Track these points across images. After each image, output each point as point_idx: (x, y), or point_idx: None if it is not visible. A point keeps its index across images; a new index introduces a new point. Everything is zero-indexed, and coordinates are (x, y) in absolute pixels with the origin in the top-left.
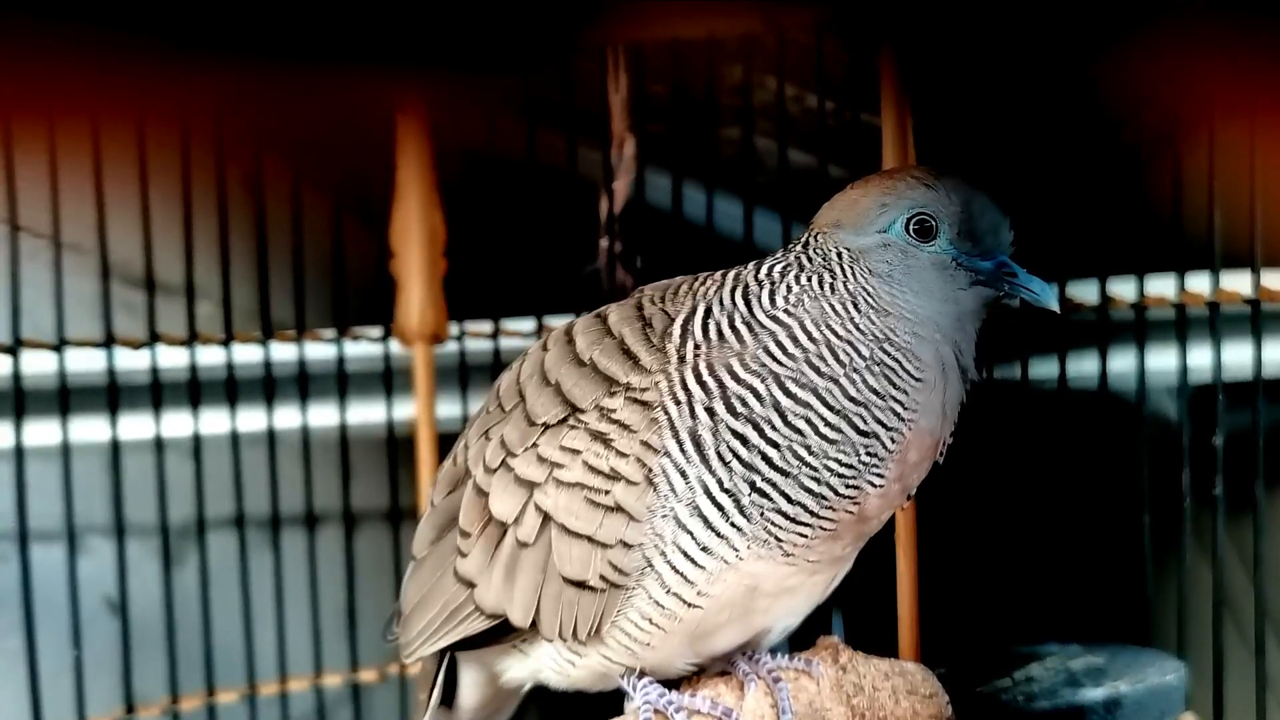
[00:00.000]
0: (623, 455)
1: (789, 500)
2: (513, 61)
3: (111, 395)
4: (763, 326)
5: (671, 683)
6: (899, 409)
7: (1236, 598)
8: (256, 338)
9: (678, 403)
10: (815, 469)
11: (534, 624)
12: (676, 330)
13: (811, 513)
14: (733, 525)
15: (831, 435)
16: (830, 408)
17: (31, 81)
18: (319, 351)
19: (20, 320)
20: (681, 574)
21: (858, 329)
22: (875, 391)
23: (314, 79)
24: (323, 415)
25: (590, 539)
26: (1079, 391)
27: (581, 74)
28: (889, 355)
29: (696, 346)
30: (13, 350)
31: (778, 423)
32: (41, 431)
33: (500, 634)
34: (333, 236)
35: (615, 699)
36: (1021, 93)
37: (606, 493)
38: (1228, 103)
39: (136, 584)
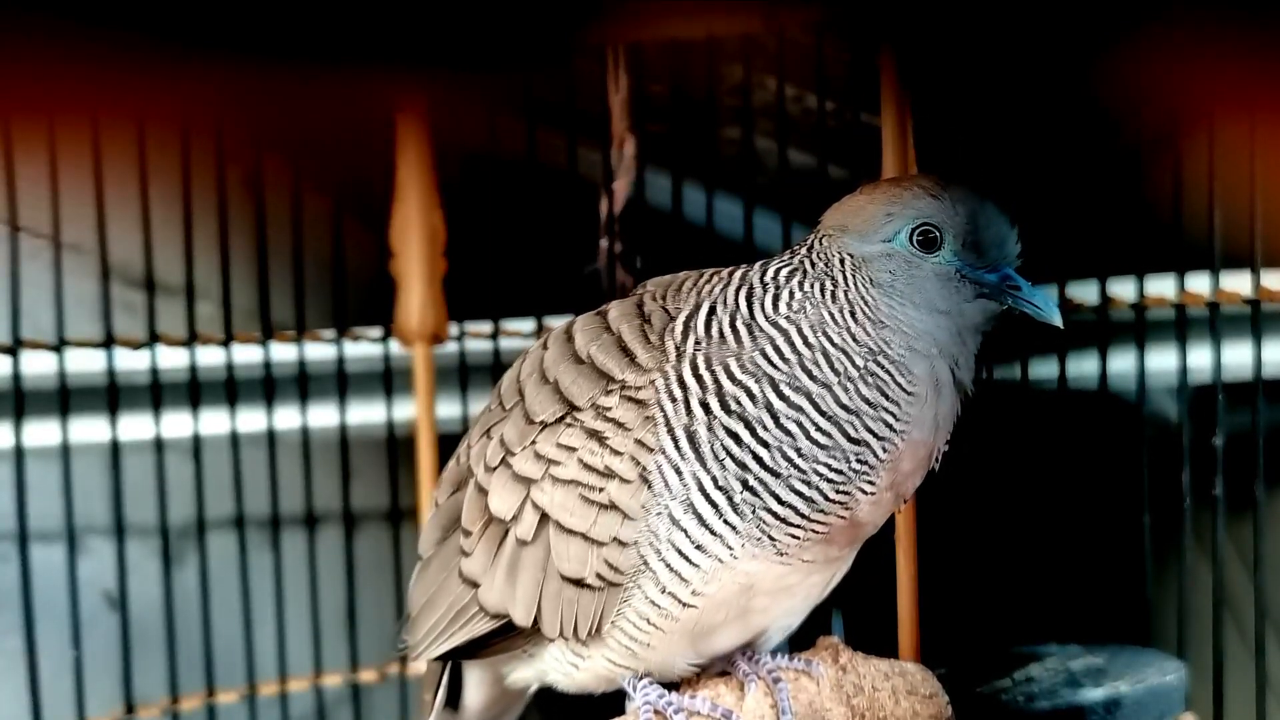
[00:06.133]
0: (617, 453)
1: (779, 501)
2: (513, 61)
3: (111, 395)
4: (761, 330)
5: (671, 683)
6: (891, 419)
7: (1236, 598)
8: (256, 338)
9: (673, 399)
10: (805, 472)
11: (536, 624)
12: (679, 326)
13: (801, 515)
14: (726, 523)
15: (822, 440)
16: (822, 413)
17: (32, 81)
18: (319, 352)
19: (20, 320)
20: (676, 572)
21: (853, 339)
22: (867, 401)
23: (314, 79)
24: (323, 415)
25: (585, 536)
26: (1079, 392)
27: (581, 74)
28: (881, 367)
29: (697, 342)
30: (13, 350)
31: (769, 424)
32: (41, 432)
33: (507, 637)
34: (333, 236)
35: (616, 699)
36: (1021, 92)
37: (601, 490)
38: (1228, 103)
39: (136, 584)
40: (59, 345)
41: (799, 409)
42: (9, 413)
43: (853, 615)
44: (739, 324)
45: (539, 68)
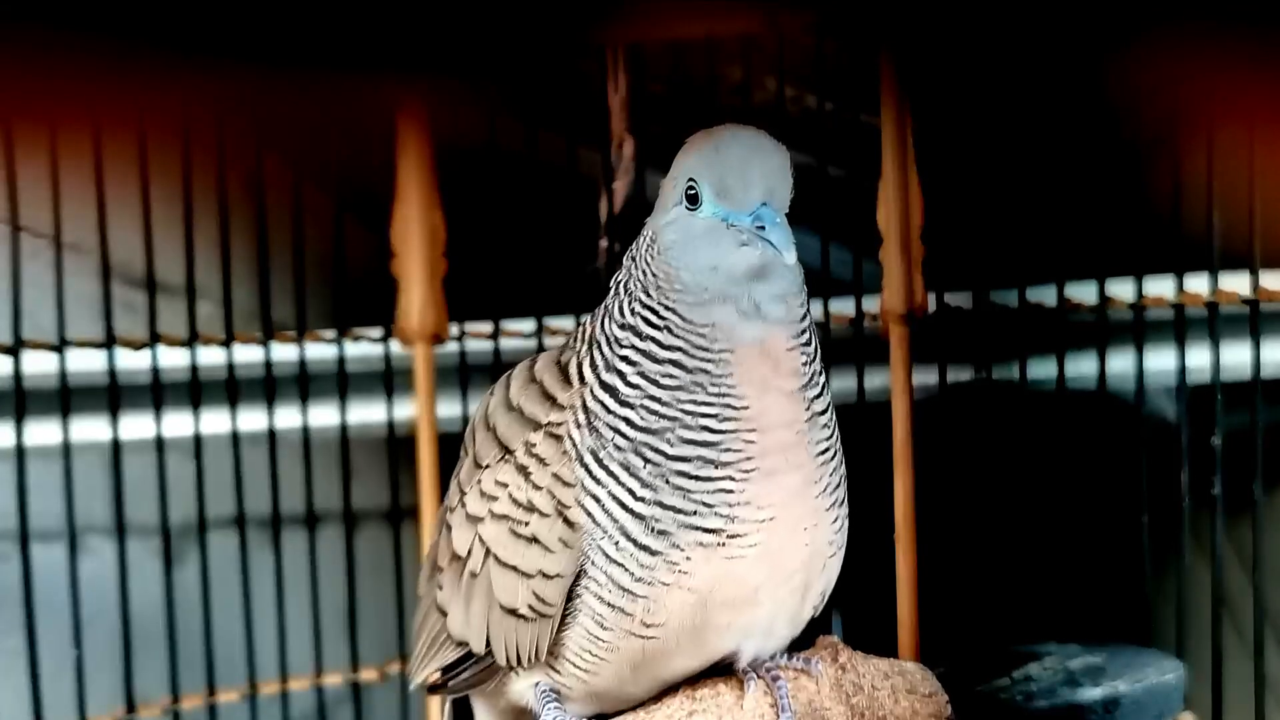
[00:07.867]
0: (537, 488)
1: (682, 458)
2: (513, 62)
3: (112, 395)
4: (621, 328)
5: (671, 690)
6: (728, 330)
7: (1235, 598)
8: (257, 338)
9: (579, 426)
10: (676, 417)
11: (489, 650)
12: (573, 364)
13: (709, 461)
14: (660, 533)
15: (668, 382)
16: (656, 360)
17: (34, 82)
18: (319, 352)
19: (21, 320)
20: (619, 609)
21: (660, 291)
22: (694, 322)
23: (315, 79)
24: (323, 415)
25: (516, 569)
26: (1078, 392)
27: (581, 74)
28: (683, 303)
29: (592, 367)
30: (14, 350)
31: (623, 387)
32: (42, 431)
33: (478, 671)
34: (333, 236)
35: None
36: (1021, 93)
37: (525, 524)
38: (1227, 103)
39: (136, 584)
40: (60, 345)
41: (636, 364)
42: (10, 412)
43: (852, 614)
44: (609, 339)
45: (539, 68)
